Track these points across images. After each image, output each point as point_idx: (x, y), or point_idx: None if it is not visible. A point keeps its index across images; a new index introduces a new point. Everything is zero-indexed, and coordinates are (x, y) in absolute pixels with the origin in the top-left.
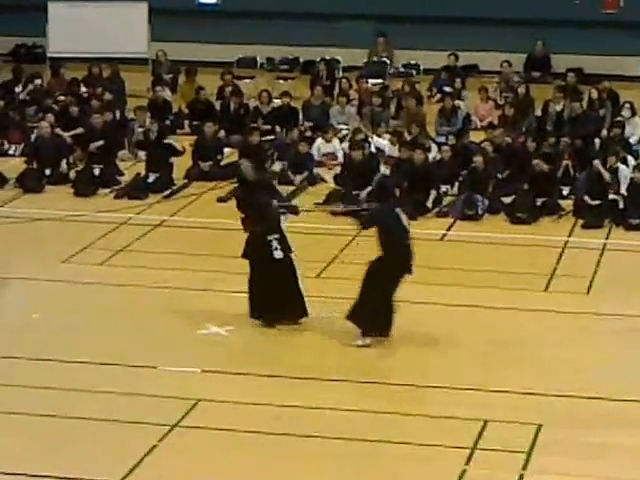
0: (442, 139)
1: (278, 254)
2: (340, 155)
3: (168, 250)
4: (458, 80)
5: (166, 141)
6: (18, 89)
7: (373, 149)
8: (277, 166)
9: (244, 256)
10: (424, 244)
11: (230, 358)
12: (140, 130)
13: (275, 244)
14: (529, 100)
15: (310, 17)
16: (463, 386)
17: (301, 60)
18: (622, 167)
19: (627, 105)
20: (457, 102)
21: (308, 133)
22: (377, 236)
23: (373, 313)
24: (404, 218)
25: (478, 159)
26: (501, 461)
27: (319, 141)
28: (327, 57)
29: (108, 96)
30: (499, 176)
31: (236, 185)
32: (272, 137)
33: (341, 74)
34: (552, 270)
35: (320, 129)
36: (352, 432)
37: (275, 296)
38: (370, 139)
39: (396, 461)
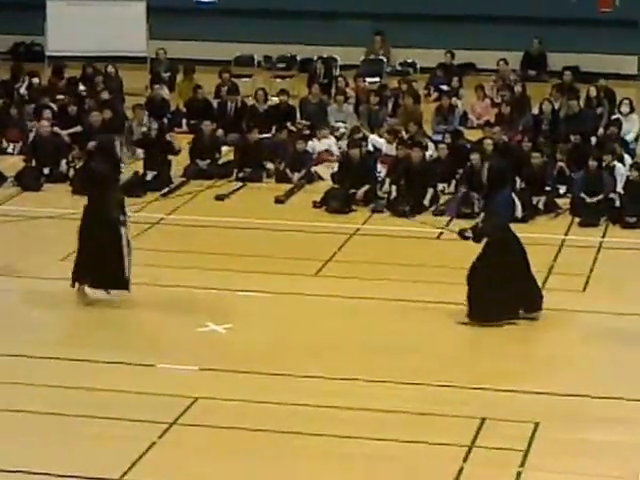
0: (439, 137)
1: (123, 231)
2: (335, 150)
3: (166, 248)
4: (455, 79)
5: (167, 137)
6: (19, 87)
7: (370, 147)
8: (270, 165)
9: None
10: (421, 242)
11: (228, 356)
12: (143, 129)
13: (122, 222)
14: (525, 98)
15: (307, 15)
16: (460, 384)
17: (298, 58)
18: (619, 165)
19: (626, 101)
20: (454, 100)
21: (306, 131)
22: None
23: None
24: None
25: (475, 157)
26: (499, 459)
27: (313, 141)
28: (324, 55)
29: (105, 95)
30: None
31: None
32: (268, 135)
33: (338, 72)
34: (549, 268)
35: (317, 127)
36: (348, 430)
37: (108, 267)
38: (368, 137)
39: (393, 459)
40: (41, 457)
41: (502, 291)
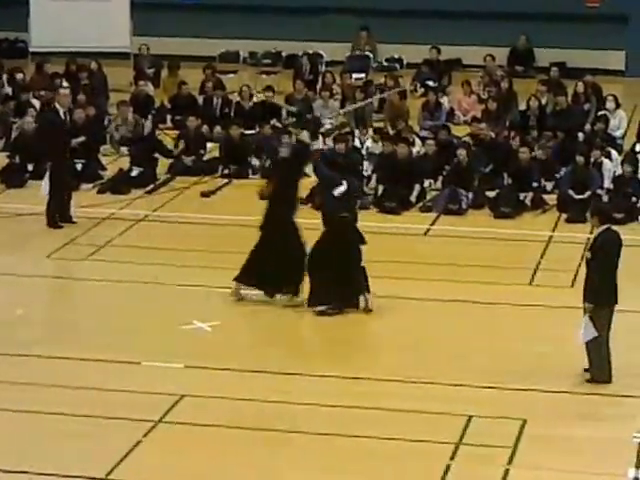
0: (426, 133)
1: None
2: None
3: (151, 245)
4: (442, 74)
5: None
6: (1, 83)
7: (357, 143)
8: (256, 161)
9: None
10: (408, 239)
11: (214, 353)
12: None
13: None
14: (512, 94)
15: (293, 11)
16: (447, 381)
17: (284, 54)
18: (606, 161)
19: (610, 97)
20: (441, 96)
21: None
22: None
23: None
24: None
25: (462, 153)
26: (486, 456)
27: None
28: (310, 51)
29: (82, 97)
30: (483, 170)
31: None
32: (253, 132)
33: (324, 68)
34: (536, 264)
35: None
36: (336, 428)
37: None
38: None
39: (381, 457)
40: (25, 455)
41: (338, 279)
